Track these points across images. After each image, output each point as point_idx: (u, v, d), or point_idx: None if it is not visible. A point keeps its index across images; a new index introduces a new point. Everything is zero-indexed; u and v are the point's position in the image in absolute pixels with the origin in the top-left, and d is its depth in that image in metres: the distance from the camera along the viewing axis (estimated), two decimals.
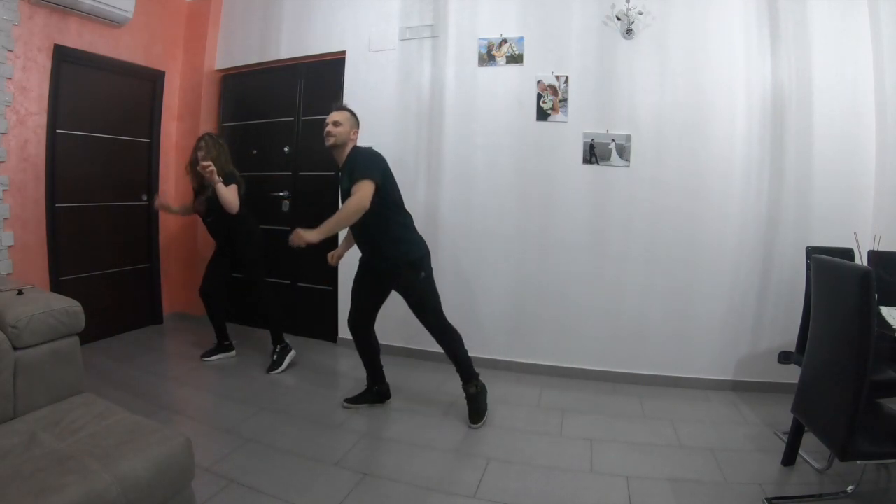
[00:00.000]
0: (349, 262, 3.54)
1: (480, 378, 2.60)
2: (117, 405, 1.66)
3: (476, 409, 2.52)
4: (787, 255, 2.93)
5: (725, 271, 3.03)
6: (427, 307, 2.52)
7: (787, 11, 2.90)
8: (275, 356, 3.21)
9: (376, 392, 2.75)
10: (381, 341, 3.59)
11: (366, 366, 2.74)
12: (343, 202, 2.34)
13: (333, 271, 3.69)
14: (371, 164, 2.35)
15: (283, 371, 3.16)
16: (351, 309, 2.67)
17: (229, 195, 2.97)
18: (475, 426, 2.49)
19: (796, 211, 2.94)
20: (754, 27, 2.93)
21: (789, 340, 2.69)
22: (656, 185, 3.06)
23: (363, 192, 2.25)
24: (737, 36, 2.95)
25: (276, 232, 3.94)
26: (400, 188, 3.35)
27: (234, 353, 3.41)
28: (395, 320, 3.55)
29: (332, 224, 2.23)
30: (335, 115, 2.46)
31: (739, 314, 3.03)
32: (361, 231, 2.45)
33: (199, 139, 3.14)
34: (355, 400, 2.72)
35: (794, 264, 2.85)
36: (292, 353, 3.26)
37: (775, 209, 2.96)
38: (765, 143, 2.95)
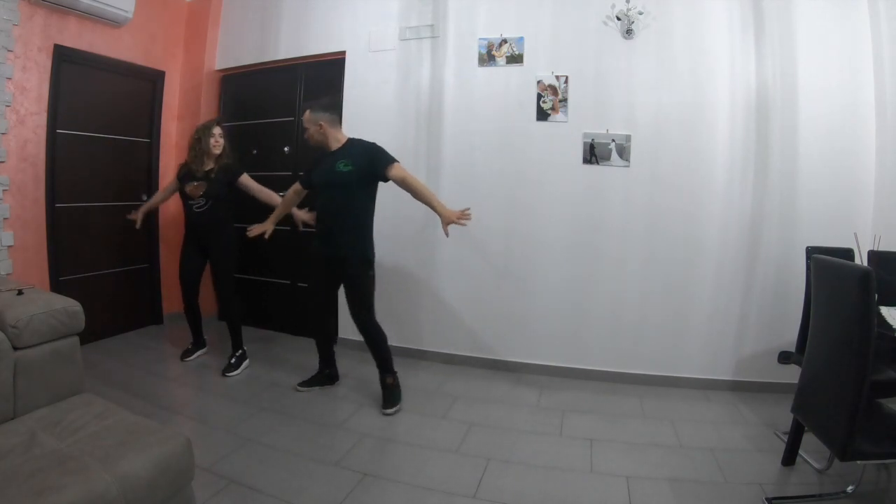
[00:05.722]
0: None
1: (398, 374, 2.80)
2: (117, 405, 1.66)
3: (390, 397, 2.71)
4: (785, 256, 2.93)
5: (724, 271, 3.03)
6: (365, 303, 2.71)
7: (789, 10, 2.90)
8: (233, 360, 3.17)
9: (327, 375, 2.99)
10: None
11: (320, 350, 2.95)
12: (334, 186, 2.60)
13: None
14: (387, 152, 2.63)
15: (238, 374, 3.11)
16: (317, 302, 2.84)
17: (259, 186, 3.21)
18: (389, 412, 2.64)
19: (796, 211, 2.94)
20: (751, 26, 2.94)
21: (789, 340, 2.69)
22: (656, 185, 3.06)
23: (406, 171, 2.60)
24: (737, 34, 2.95)
25: (276, 232, 3.94)
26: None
27: (206, 348, 3.42)
28: (395, 321, 3.56)
29: (432, 195, 2.59)
30: (303, 121, 2.69)
31: (739, 314, 3.03)
32: (342, 217, 2.63)
33: (211, 126, 3.12)
34: (308, 383, 2.93)
35: (792, 264, 2.85)
36: (248, 361, 3.24)
37: (777, 209, 2.96)
38: (766, 141, 2.95)
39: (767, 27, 2.92)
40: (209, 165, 3.10)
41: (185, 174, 3.13)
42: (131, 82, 3.79)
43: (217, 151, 3.10)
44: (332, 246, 2.67)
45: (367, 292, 2.71)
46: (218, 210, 3.12)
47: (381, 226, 3.48)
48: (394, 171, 2.57)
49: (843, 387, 1.63)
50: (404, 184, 2.58)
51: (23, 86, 3.06)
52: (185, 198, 3.12)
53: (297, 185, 2.90)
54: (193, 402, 2.80)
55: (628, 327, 3.13)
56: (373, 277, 2.73)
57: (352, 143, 2.68)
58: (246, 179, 3.17)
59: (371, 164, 2.59)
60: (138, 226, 3.33)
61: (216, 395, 2.86)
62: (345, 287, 2.73)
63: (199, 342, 3.38)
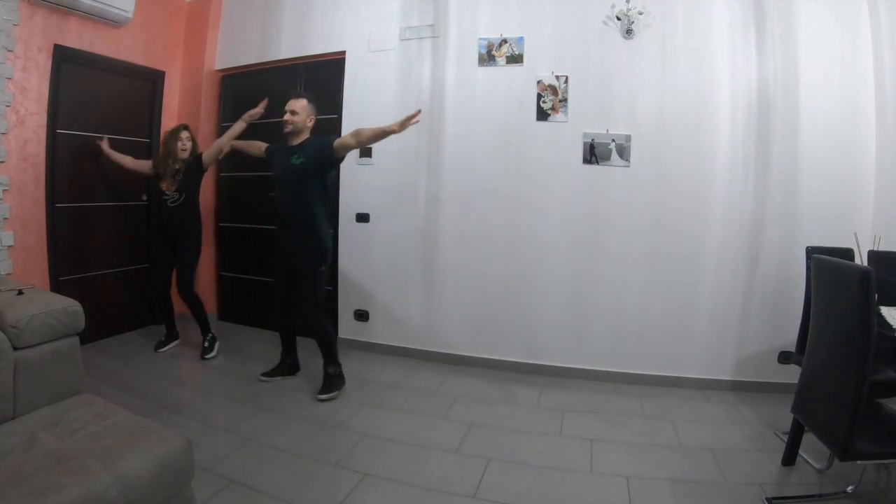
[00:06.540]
0: (345, 268, 3.57)
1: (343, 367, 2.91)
2: (117, 405, 1.66)
3: (329, 385, 2.79)
4: (785, 255, 2.92)
5: (724, 271, 3.02)
6: (313, 297, 2.75)
7: (789, 10, 2.90)
8: (206, 343, 3.41)
9: (289, 364, 3.05)
10: (382, 342, 3.63)
11: (283, 341, 3.03)
12: (288, 180, 2.69)
13: (335, 273, 3.69)
14: (333, 135, 2.72)
15: (214, 356, 3.37)
16: (278, 294, 2.92)
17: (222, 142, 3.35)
18: (323, 397, 2.72)
19: (796, 210, 2.94)
20: (752, 25, 2.94)
21: (789, 340, 2.69)
22: (656, 185, 3.06)
23: (352, 132, 2.60)
24: (737, 34, 2.95)
25: (274, 232, 3.94)
26: (401, 187, 3.45)
27: (178, 340, 3.58)
28: (395, 320, 3.56)
29: (380, 127, 2.53)
30: (293, 104, 2.69)
31: (739, 314, 3.03)
32: (295, 211, 2.70)
33: (178, 130, 3.30)
34: (271, 373, 3.01)
35: (792, 264, 2.85)
36: (218, 343, 3.47)
37: (777, 208, 2.96)
38: (767, 140, 2.95)
39: (768, 26, 2.92)
40: (177, 165, 3.28)
41: (157, 174, 3.32)
42: (131, 82, 3.79)
43: (184, 155, 3.28)
44: (286, 239, 2.78)
45: (315, 287, 2.74)
46: (190, 204, 3.32)
47: (381, 225, 3.51)
48: (338, 140, 2.59)
49: (843, 387, 1.63)
50: (357, 139, 2.56)
51: (23, 86, 3.06)
52: (160, 194, 3.32)
53: (262, 145, 3.05)
54: (193, 402, 2.80)
55: (628, 327, 3.13)
56: (324, 273, 2.77)
57: (308, 140, 2.76)
58: (206, 152, 3.33)
59: (319, 150, 2.64)
60: (97, 142, 3.43)
61: (216, 394, 2.86)
62: (296, 280, 2.78)
63: (172, 335, 3.54)
